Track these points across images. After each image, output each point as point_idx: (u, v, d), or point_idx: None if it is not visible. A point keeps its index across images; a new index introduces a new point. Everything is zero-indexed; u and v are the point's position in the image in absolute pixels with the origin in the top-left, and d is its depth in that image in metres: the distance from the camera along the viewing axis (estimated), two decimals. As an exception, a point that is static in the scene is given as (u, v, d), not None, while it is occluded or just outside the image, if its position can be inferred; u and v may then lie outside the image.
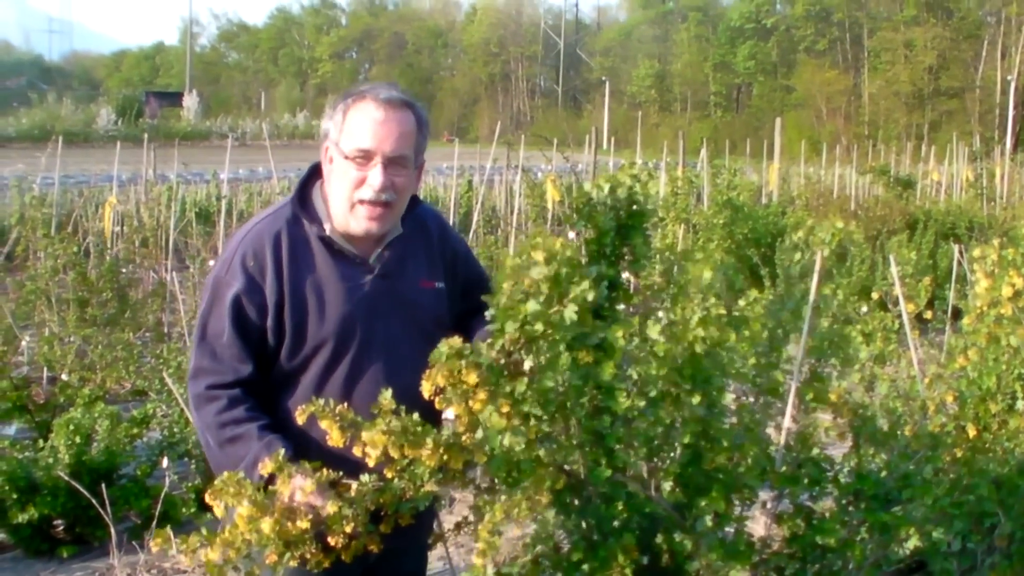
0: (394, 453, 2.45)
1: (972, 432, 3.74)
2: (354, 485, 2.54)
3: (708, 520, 2.83)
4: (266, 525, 2.43)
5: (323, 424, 2.47)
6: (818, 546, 3.11)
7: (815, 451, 3.18)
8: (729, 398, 3.08)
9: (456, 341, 2.45)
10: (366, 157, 2.83)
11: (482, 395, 2.45)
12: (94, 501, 5.21)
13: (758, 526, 3.58)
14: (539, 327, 2.46)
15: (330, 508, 2.49)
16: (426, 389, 2.45)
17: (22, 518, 5.54)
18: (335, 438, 2.47)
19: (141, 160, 16.76)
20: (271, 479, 2.54)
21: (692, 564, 2.84)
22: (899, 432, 3.41)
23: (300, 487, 2.49)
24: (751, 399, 3.28)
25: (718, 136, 43.53)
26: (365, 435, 2.44)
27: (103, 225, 13.66)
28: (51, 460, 5.60)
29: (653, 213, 2.71)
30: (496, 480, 2.60)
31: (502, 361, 2.48)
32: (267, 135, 22.09)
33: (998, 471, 3.63)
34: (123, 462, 5.94)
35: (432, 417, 2.51)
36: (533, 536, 2.99)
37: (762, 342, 3.15)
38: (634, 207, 2.64)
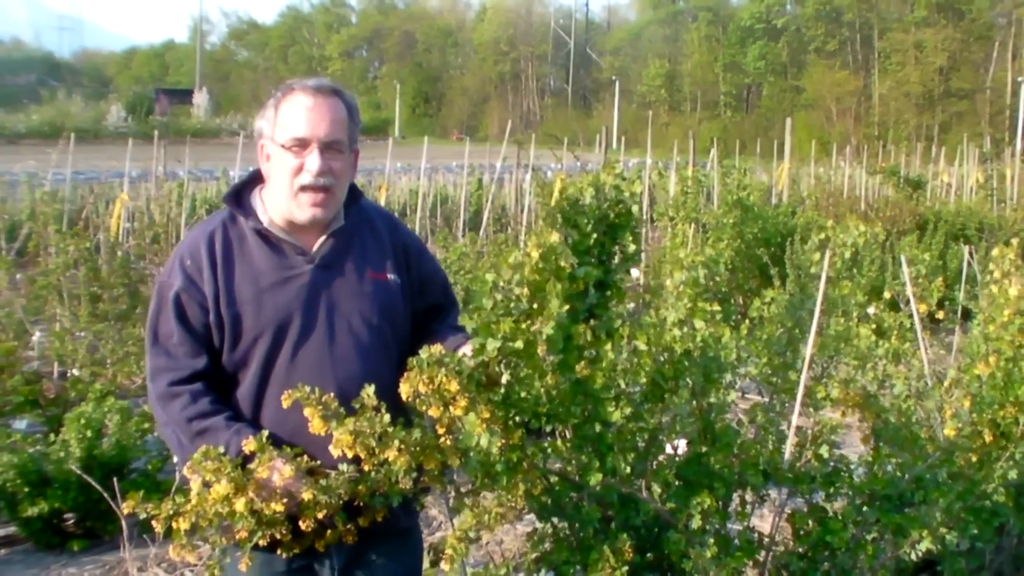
0: (360, 452, 2.50)
1: (988, 438, 3.72)
2: (332, 474, 2.59)
3: (698, 519, 2.84)
4: (239, 504, 2.50)
5: (306, 412, 2.52)
6: (827, 546, 3.11)
7: (824, 450, 3.18)
8: (733, 396, 3.09)
9: (436, 348, 2.50)
10: (302, 145, 2.86)
11: (463, 402, 2.51)
12: (105, 495, 5.22)
13: (765, 524, 3.58)
14: (519, 344, 2.48)
15: (304, 495, 2.53)
16: (404, 391, 2.50)
17: (33, 511, 5.56)
18: (316, 426, 2.52)
19: (151, 157, 16.79)
20: (247, 459, 2.59)
21: (687, 562, 2.85)
22: (915, 434, 3.40)
23: (279, 471, 2.54)
24: (765, 398, 3.28)
25: (728, 136, 43.48)
26: (335, 433, 2.50)
27: (112, 221, 13.68)
28: (62, 454, 5.62)
29: (637, 212, 2.73)
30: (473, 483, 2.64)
31: (482, 378, 2.53)
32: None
33: (1014, 477, 3.62)
34: (134, 456, 5.95)
35: (392, 405, 2.58)
36: (537, 536, 3.01)
37: (778, 342, 3.15)
38: (621, 206, 2.66)
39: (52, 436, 5.96)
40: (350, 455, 2.50)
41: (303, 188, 2.87)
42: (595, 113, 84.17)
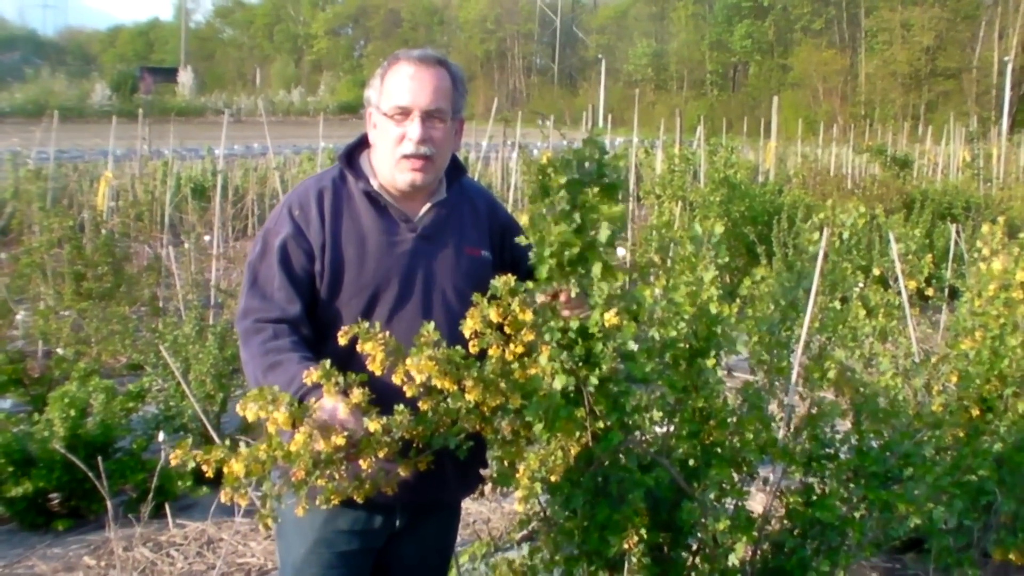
0: (438, 382, 2.49)
1: (975, 412, 3.72)
2: (388, 418, 2.53)
3: (716, 490, 2.83)
4: (299, 437, 2.41)
5: (367, 347, 2.51)
6: (817, 523, 3.11)
7: (818, 429, 3.17)
8: (720, 373, 3.08)
9: (510, 278, 2.56)
10: (404, 113, 2.93)
11: (529, 336, 2.53)
12: (90, 474, 5.19)
13: (755, 504, 3.58)
14: (575, 250, 2.55)
15: (372, 426, 2.47)
16: (467, 327, 2.54)
17: (17, 491, 5.53)
18: (377, 363, 2.50)
19: (136, 135, 16.71)
20: (304, 397, 2.58)
21: (694, 534, 2.84)
22: (900, 411, 3.40)
23: (344, 400, 2.50)
24: (756, 377, 3.27)
25: (714, 115, 43.49)
26: (411, 361, 2.48)
27: (97, 199, 13.62)
28: (47, 433, 5.59)
29: (621, 185, 2.69)
30: (522, 429, 2.63)
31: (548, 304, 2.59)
32: (264, 111, 22.02)
33: (999, 450, 3.62)
34: (119, 436, 5.93)
35: None
36: (524, 515, 2.99)
37: (772, 320, 3.13)
38: (604, 180, 2.63)
39: (36, 415, 5.93)
40: (412, 390, 2.50)
41: (405, 156, 2.94)
42: (581, 92, 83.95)
